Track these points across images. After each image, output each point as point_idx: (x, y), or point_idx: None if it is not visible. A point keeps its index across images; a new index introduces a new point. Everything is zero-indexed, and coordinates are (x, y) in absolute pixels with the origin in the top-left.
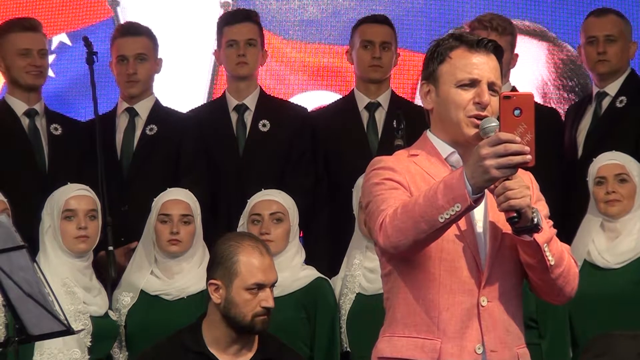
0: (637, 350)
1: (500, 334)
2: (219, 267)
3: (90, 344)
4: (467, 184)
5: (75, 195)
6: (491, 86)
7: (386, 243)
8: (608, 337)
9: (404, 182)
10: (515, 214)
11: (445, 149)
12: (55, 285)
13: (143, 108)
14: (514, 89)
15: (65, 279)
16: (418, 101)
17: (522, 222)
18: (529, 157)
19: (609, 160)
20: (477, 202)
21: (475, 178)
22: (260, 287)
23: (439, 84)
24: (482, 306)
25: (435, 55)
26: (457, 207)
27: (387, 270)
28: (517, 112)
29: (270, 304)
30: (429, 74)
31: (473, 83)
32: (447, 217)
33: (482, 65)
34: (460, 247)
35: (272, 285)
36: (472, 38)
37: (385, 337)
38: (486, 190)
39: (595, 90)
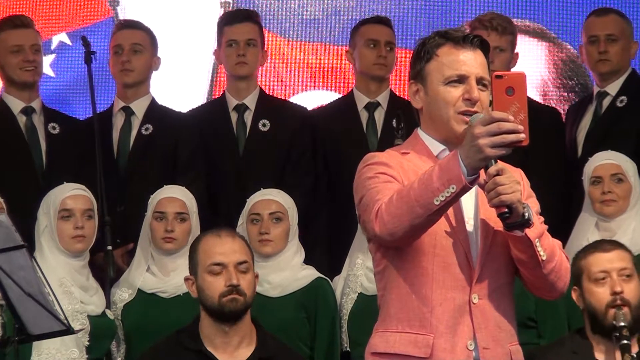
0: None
1: (492, 331)
2: (190, 262)
3: (88, 343)
4: (461, 165)
5: (71, 194)
6: (480, 81)
7: (382, 230)
8: (531, 356)
9: (397, 176)
10: (506, 210)
11: (436, 146)
12: (52, 285)
13: (139, 107)
14: None
15: (62, 278)
16: None
17: (513, 218)
18: (522, 135)
19: (605, 160)
20: (472, 183)
21: (469, 158)
22: (221, 266)
23: (427, 83)
24: (474, 303)
25: (422, 54)
26: (452, 188)
27: (381, 267)
28: (509, 91)
29: (234, 281)
30: (417, 73)
31: (461, 79)
32: (442, 199)
33: (469, 61)
34: (453, 244)
35: (240, 266)
36: (457, 34)
37: (379, 332)
38: (477, 188)
39: (596, 89)
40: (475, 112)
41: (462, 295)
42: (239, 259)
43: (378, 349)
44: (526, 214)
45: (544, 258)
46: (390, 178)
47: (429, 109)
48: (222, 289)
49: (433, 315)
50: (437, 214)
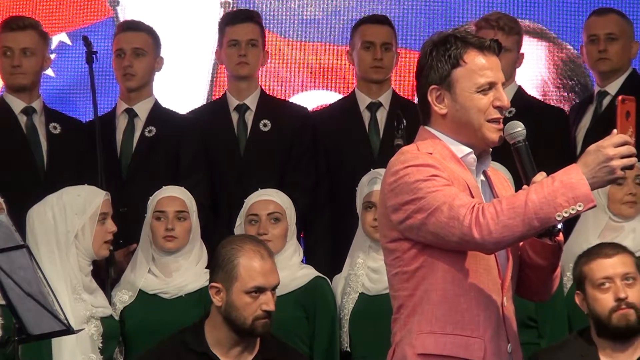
0: None
1: (514, 332)
2: (220, 270)
3: (101, 345)
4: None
5: (105, 199)
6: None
7: (487, 238)
8: (534, 357)
9: (448, 178)
10: None
11: (459, 149)
12: (64, 289)
13: (142, 109)
14: (519, 89)
15: (76, 285)
16: None
17: (551, 227)
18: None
19: None
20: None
21: (596, 177)
22: (260, 290)
23: (456, 89)
24: (505, 306)
25: (446, 59)
26: (579, 206)
27: (413, 266)
28: (627, 115)
29: (271, 307)
30: (441, 78)
31: (491, 86)
32: (566, 215)
33: (496, 67)
34: None
35: (274, 289)
36: (479, 40)
37: (424, 333)
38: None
39: (596, 89)
40: (501, 119)
41: (499, 298)
42: (277, 282)
43: (428, 350)
44: (559, 224)
45: (559, 263)
46: (447, 181)
47: (457, 115)
48: (258, 312)
49: (482, 319)
50: (548, 227)
